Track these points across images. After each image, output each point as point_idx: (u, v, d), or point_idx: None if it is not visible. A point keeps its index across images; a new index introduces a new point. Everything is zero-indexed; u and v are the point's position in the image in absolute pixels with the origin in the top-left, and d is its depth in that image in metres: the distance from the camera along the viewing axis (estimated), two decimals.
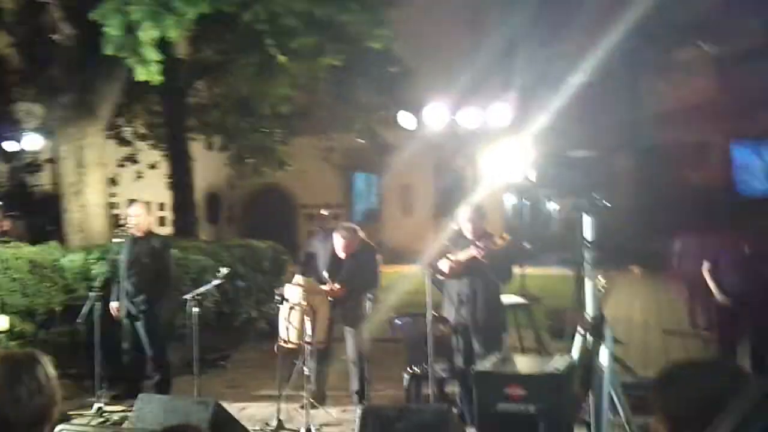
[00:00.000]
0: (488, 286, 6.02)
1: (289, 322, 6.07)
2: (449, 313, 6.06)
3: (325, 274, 6.52)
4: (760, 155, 20.70)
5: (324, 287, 6.42)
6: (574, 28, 15.65)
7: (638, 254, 18.26)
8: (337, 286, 6.40)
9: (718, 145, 20.29)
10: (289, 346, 6.15)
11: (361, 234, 6.77)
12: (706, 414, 1.57)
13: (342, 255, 6.58)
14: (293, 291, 6.20)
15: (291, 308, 6.09)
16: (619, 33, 13.55)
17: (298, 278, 6.43)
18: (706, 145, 20.02)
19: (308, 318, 5.89)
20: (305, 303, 6.00)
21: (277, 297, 6.26)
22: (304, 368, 6.02)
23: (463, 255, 5.88)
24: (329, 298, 6.38)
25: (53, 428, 2.58)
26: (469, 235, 6.04)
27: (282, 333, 6.20)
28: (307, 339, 5.95)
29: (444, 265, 5.98)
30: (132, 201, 7.42)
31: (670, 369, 1.82)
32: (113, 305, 6.95)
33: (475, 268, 5.87)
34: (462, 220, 6.15)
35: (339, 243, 6.55)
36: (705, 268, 7.17)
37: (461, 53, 17.32)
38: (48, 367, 2.26)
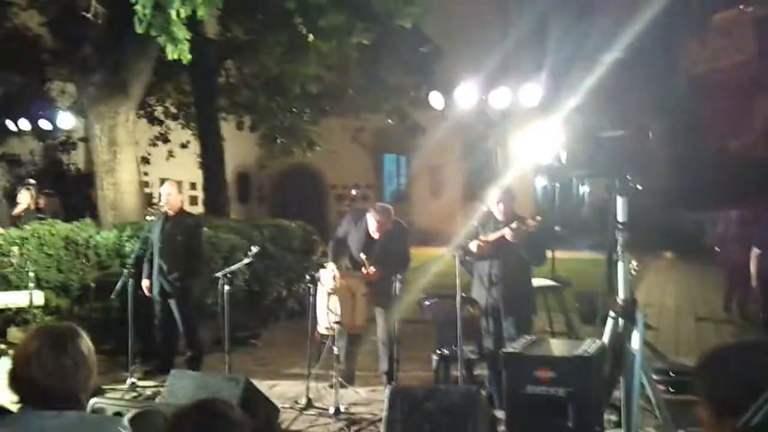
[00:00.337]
0: (519, 268, 6.00)
1: (329, 310, 6.07)
2: (479, 294, 6.05)
3: (362, 256, 6.47)
4: None
5: (359, 272, 6.39)
6: (606, 2, 15.36)
7: (672, 238, 18.04)
8: (372, 269, 6.37)
9: (761, 109, 19.34)
10: (330, 333, 6.17)
11: (394, 214, 6.74)
12: (750, 397, 1.54)
13: (376, 236, 6.55)
14: (329, 277, 6.21)
15: (329, 294, 6.10)
16: (652, 5, 13.23)
17: (331, 265, 6.43)
18: (748, 110, 19.04)
19: (347, 304, 5.93)
20: (344, 288, 6.02)
21: (307, 277, 6.28)
22: (334, 348, 6.07)
23: (493, 236, 5.86)
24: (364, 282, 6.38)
25: (89, 400, 2.64)
26: (499, 216, 6.01)
27: (322, 320, 6.21)
28: (336, 319, 5.98)
29: (473, 246, 5.96)
30: (164, 180, 7.48)
31: (714, 352, 1.79)
32: (145, 283, 7.03)
33: (507, 250, 5.84)
34: (492, 201, 6.12)
35: (373, 223, 6.51)
36: (754, 254, 6.99)
37: (492, 32, 17.16)
38: (87, 340, 2.31)
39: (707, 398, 1.72)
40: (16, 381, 2.23)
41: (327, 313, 6.11)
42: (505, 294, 5.93)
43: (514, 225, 5.72)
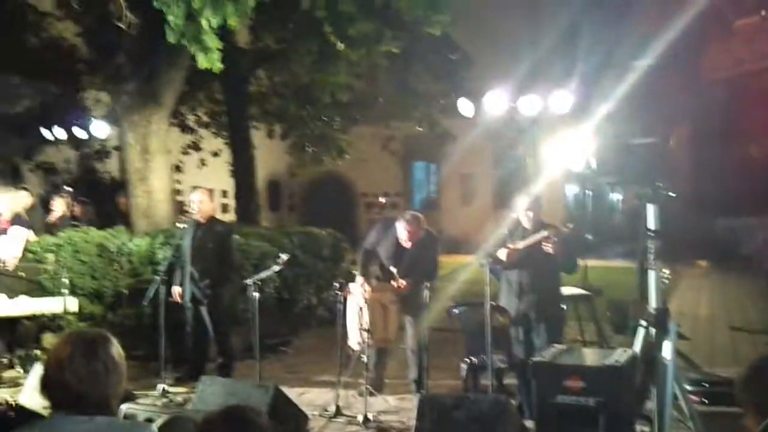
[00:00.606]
0: (549, 276, 5.96)
1: (361, 325, 6.04)
2: (508, 302, 6.01)
3: (393, 270, 6.42)
4: None
5: (390, 284, 6.35)
6: (637, 9, 15.21)
7: (706, 247, 17.75)
8: (403, 283, 6.31)
9: None
10: (361, 347, 6.14)
11: (424, 223, 6.71)
12: None
13: (407, 245, 6.50)
14: (359, 291, 6.19)
15: (361, 309, 6.08)
16: (684, 11, 13.09)
17: (360, 280, 6.41)
18: None
19: (378, 317, 5.94)
20: (375, 301, 6.02)
21: (336, 284, 6.28)
22: (363, 356, 6.06)
23: (524, 243, 5.83)
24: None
25: (119, 406, 2.66)
26: (527, 225, 5.99)
27: (353, 335, 6.19)
28: (367, 337, 5.97)
29: (502, 254, 5.93)
30: (195, 188, 7.56)
31: (760, 362, 1.81)
32: (176, 290, 7.10)
33: (536, 258, 5.80)
34: (520, 210, 6.10)
35: (403, 233, 6.47)
36: None
37: (522, 38, 17.09)
38: (118, 346, 2.34)
39: (755, 408, 1.70)
40: (48, 386, 2.26)
41: (359, 328, 6.10)
42: (535, 302, 5.90)
43: (544, 233, 5.68)
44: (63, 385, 2.22)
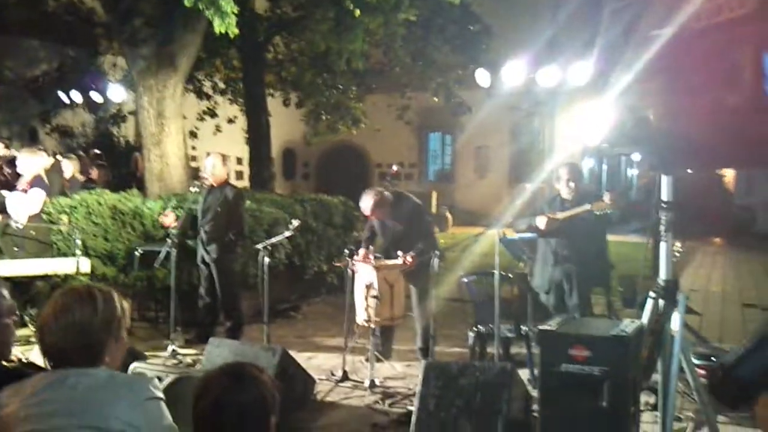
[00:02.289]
0: (588, 245, 6.08)
1: (368, 305, 6.04)
2: (543, 271, 6.12)
3: (399, 254, 6.30)
4: None
5: (397, 261, 6.28)
6: None
7: (722, 224, 17.59)
8: (409, 258, 6.25)
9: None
10: (371, 325, 6.14)
11: (387, 194, 6.55)
12: None
13: (375, 222, 6.54)
14: (366, 269, 6.15)
15: (367, 287, 6.07)
16: None
17: (362, 251, 6.37)
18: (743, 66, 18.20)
19: (386, 295, 5.96)
20: (381, 280, 6.02)
21: (346, 251, 6.28)
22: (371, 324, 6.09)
23: (563, 215, 5.90)
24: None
25: (125, 361, 2.69)
26: (567, 195, 6.06)
27: (361, 314, 6.17)
28: (372, 306, 5.98)
29: (541, 222, 6.03)
30: (209, 153, 7.56)
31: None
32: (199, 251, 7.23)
33: (575, 228, 5.95)
34: (561, 180, 6.15)
35: (366, 209, 6.47)
36: None
37: (542, 9, 16.84)
38: (114, 299, 2.36)
39: None
40: (44, 339, 2.28)
41: (366, 307, 6.09)
42: (572, 271, 5.97)
43: (587, 206, 5.80)
44: (60, 336, 2.24)
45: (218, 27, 7.71)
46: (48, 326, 2.26)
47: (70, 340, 2.24)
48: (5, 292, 2.58)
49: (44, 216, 7.80)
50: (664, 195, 4.24)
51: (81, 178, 10.62)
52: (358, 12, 9.55)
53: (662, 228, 4.24)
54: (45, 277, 7.14)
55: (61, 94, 15.49)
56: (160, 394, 2.32)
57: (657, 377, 4.25)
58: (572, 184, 6.12)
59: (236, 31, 7.78)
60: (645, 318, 4.25)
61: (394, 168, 8.16)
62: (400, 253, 6.25)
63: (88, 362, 2.26)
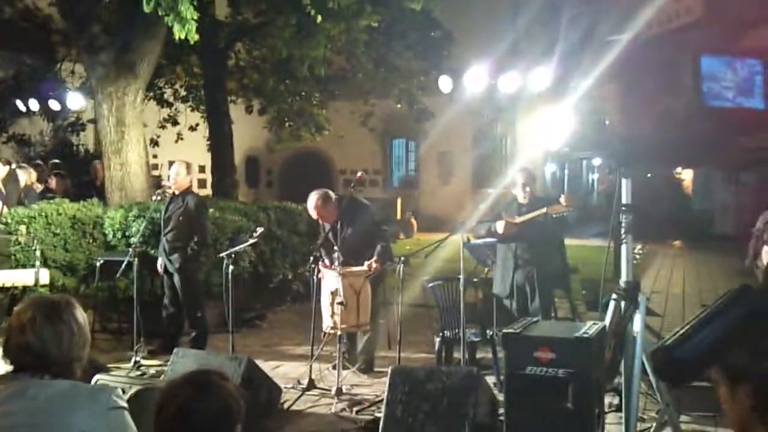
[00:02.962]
0: (546, 249, 6.18)
1: (334, 312, 5.92)
2: (504, 276, 6.15)
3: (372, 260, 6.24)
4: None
5: (362, 268, 6.19)
6: None
7: (681, 227, 17.91)
8: (374, 264, 6.20)
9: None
10: (337, 332, 6.02)
11: (331, 193, 6.51)
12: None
13: (332, 227, 6.40)
14: (332, 277, 6.05)
15: (333, 294, 5.94)
16: None
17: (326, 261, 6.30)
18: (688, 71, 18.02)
19: (351, 303, 5.92)
20: (347, 287, 5.94)
21: (311, 258, 6.24)
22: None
23: (521, 219, 5.99)
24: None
25: (87, 373, 2.64)
26: (524, 199, 6.14)
27: (327, 321, 6.04)
28: (339, 323, 5.92)
29: (500, 227, 6.12)
30: (173, 162, 7.48)
31: None
32: (159, 261, 7.11)
33: (533, 231, 6.04)
34: (517, 185, 6.23)
35: (312, 212, 6.43)
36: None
37: (502, 16, 17.03)
38: (81, 310, 2.32)
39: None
40: (9, 348, 2.24)
41: (331, 315, 6.00)
42: (533, 274, 6.03)
43: (543, 210, 5.92)
44: (25, 346, 2.20)
45: (178, 33, 7.63)
46: (28, 328, 2.23)
47: (52, 348, 2.21)
48: None
49: (2, 226, 7.65)
50: (624, 198, 4.32)
51: (39, 187, 10.42)
52: (320, 18, 9.53)
53: (622, 230, 4.32)
54: (3, 289, 7.00)
55: (18, 103, 15.18)
56: (124, 404, 2.28)
57: (620, 379, 4.33)
58: (528, 189, 6.21)
59: (196, 37, 7.71)
60: (607, 320, 4.32)
61: (359, 174, 8.08)
62: (367, 262, 6.22)
63: (61, 373, 2.23)
